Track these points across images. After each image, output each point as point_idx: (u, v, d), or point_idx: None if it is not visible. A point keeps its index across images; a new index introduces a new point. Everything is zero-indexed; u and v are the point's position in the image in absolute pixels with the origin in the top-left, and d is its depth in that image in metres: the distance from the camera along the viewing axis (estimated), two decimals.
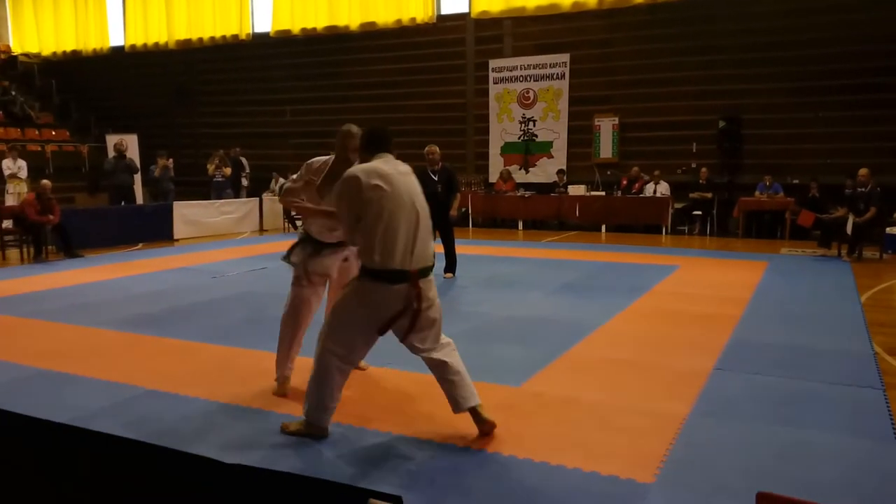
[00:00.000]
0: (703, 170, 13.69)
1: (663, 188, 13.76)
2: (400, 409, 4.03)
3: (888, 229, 10.86)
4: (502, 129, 16.07)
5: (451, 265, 8.43)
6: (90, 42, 20.93)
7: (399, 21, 16.74)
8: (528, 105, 15.78)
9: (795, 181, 13.03)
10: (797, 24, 13.18)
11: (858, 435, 3.64)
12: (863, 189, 10.29)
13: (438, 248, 8.18)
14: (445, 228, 8.28)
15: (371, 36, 17.15)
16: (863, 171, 10.46)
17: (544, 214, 14.67)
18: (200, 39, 19.29)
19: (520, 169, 15.80)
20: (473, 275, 8.67)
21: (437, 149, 8.35)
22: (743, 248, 11.43)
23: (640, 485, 3.07)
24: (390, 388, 4.41)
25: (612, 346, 5.42)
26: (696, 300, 7.20)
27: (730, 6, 13.68)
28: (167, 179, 14.65)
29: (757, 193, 13.17)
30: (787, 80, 13.23)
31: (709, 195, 13.54)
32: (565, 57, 15.24)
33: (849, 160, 11.89)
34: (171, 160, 14.67)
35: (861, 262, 9.99)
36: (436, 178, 8.18)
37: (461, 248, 9.02)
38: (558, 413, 3.98)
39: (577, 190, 14.30)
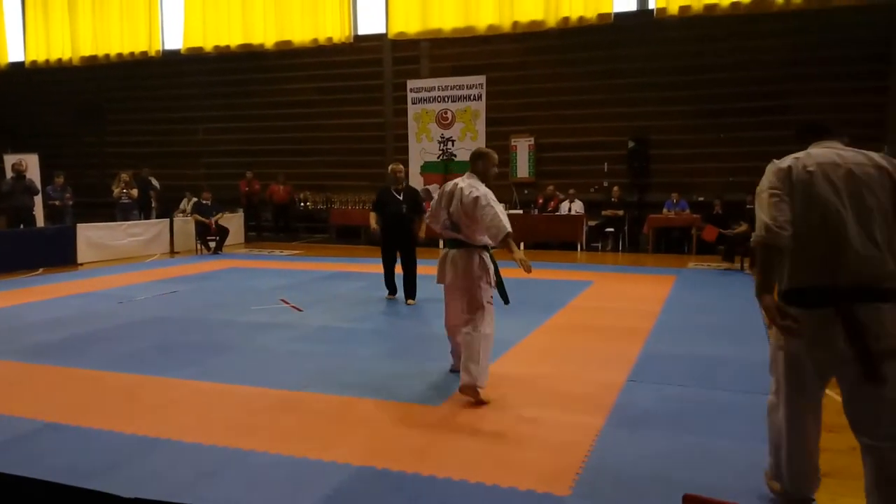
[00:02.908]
0: (615, 188, 14.16)
1: (577, 206, 14.15)
2: (315, 433, 3.94)
3: None
4: (421, 149, 16.16)
5: (411, 291, 8.04)
6: None
7: (315, 40, 16.64)
8: (446, 125, 15.94)
9: (701, 199, 13.65)
10: (700, 50, 13.90)
11: (763, 440, 3.80)
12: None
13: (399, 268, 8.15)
14: (408, 250, 8.01)
15: (287, 55, 16.97)
16: None
17: None
18: (107, 56, 18.59)
19: (440, 188, 15.90)
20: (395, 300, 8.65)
21: (402, 167, 8.17)
22: (653, 263, 11.85)
23: (557, 498, 3.11)
24: (306, 412, 4.32)
25: (529, 362, 5.49)
26: (609, 314, 7.40)
27: (636, 32, 14.28)
28: (65, 201, 13.93)
29: (665, 211, 13.72)
30: (692, 103, 13.89)
31: (620, 213, 14.01)
32: (482, 79, 15.50)
33: (751, 178, 12.52)
34: (69, 196, 13.96)
35: None
36: (400, 198, 7.95)
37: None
38: (477, 430, 3.99)
39: None
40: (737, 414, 4.23)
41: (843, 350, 2.55)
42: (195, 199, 14.18)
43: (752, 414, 4.23)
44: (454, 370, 5.02)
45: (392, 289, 8.37)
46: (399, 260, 8.17)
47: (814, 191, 2.59)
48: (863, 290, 2.52)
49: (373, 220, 8.16)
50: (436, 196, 5.06)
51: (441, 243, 15.00)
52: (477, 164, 4.77)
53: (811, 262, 2.59)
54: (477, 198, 4.48)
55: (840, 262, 2.54)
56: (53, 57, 19.16)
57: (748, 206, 11.37)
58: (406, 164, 16.15)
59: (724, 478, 3.34)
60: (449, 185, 4.86)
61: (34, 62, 19.38)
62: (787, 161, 2.69)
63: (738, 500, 3.05)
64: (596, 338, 6.31)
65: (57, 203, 13.68)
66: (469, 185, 4.63)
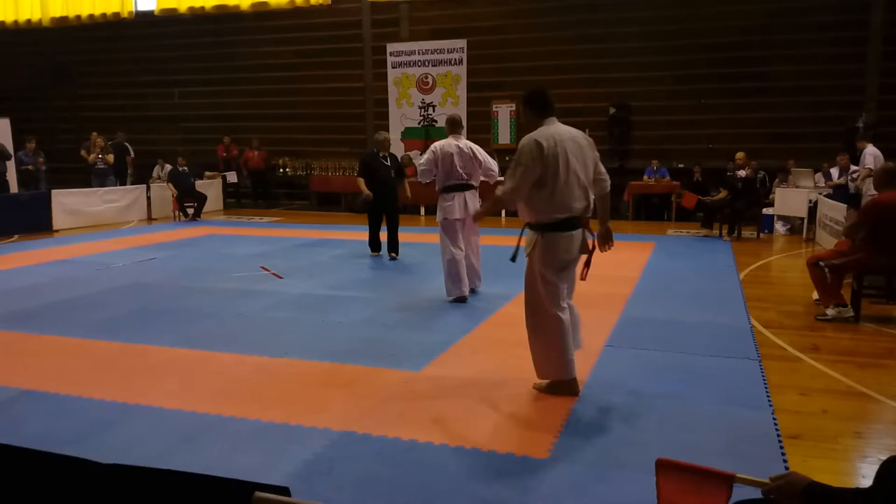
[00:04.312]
0: None
1: None
2: (296, 400, 3.95)
3: (764, 210, 11.61)
4: (402, 114, 16.00)
5: (394, 246, 8.69)
6: None
7: (292, 2, 16.29)
8: (427, 90, 15.77)
9: (681, 165, 13.69)
10: (681, 15, 13.79)
11: (737, 403, 3.88)
12: (741, 172, 10.97)
13: (383, 235, 8.63)
14: (394, 212, 8.65)
15: (263, 16, 16.61)
16: (739, 155, 11.14)
17: None
18: (78, 17, 18.06)
19: (420, 154, 15.79)
20: (377, 261, 8.65)
21: (390, 136, 8.87)
22: (633, 230, 11.91)
23: (535, 461, 3.15)
24: (287, 379, 4.32)
25: (509, 328, 5.51)
26: (589, 280, 7.38)
27: None
28: (38, 166, 13.65)
29: (645, 178, 13.75)
30: (673, 69, 13.84)
31: None
32: (462, 42, 15.32)
33: (730, 145, 12.62)
34: (42, 161, 13.68)
35: (740, 241, 10.63)
36: (388, 164, 8.50)
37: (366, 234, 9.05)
38: (457, 395, 4.02)
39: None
40: (709, 377, 4.31)
41: (575, 253, 4.13)
42: (170, 167, 13.95)
43: (724, 377, 4.32)
44: (460, 295, 6.38)
45: (376, 247, 8.81)
46: (385, 223, 8.66)
47: (564, 158, 3.81)
48: (587, 218, 4.05)
49: (363, 185, 8.51)
50: (431, 156, 6.31)
51: (422, 209, 15.02)
52: (461, 128, 6.33)
53: (565, 203, 3.87)
54: (486, 154, 6.45)
55: (577, 202, 3.91)
56: (22, 18, 18.59)
57: (727, 174, 11.44)
58: (387, 130, 16.03)
59: (697, 438, 3.40)
60: (453, 148, 6.22)
61: (2, 23, 18.79)
62: (540, 139, 3.78)
63: (711, 459, 3.11)
64: (575, 304, 6.34)
65: (30, 168, 13.43)
66: (467, 144, 6.26)
